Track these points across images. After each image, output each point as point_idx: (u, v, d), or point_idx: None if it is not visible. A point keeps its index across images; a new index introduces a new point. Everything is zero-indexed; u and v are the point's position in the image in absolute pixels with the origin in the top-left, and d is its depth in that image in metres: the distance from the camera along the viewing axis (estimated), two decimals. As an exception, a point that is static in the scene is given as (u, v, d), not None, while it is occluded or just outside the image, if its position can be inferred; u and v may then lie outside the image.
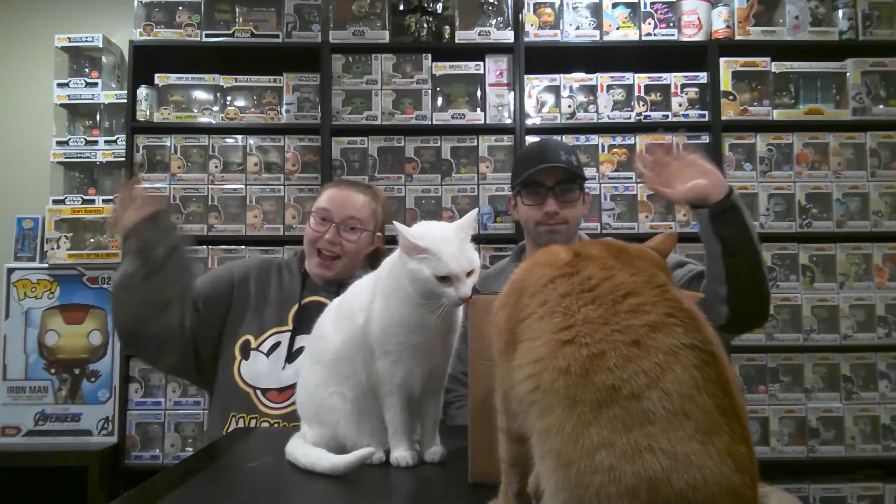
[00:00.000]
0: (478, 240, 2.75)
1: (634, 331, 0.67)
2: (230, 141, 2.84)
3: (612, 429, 0.65)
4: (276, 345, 1.69)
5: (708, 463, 0.64)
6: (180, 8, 2.87)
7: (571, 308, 0.70)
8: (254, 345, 1.70)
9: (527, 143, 2.77)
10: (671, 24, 2.85)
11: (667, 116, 2.81)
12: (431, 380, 1.13)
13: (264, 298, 1.75)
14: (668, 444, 0.63)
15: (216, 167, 2.81)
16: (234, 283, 1.75)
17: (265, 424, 1.60)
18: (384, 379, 1.10)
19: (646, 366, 0.65)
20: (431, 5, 2.91)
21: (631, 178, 2.79)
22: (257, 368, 1.66)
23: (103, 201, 2.87)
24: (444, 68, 2.84)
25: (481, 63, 2.83)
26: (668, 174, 1.58)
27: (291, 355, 1.68)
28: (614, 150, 2.81)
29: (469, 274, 1.03)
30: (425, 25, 2.88)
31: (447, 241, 1.03)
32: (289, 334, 1.70)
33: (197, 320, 1.66)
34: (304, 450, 1.10)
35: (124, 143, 2.84)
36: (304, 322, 1.67)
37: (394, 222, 1.09)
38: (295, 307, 1.73)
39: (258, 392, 1.65)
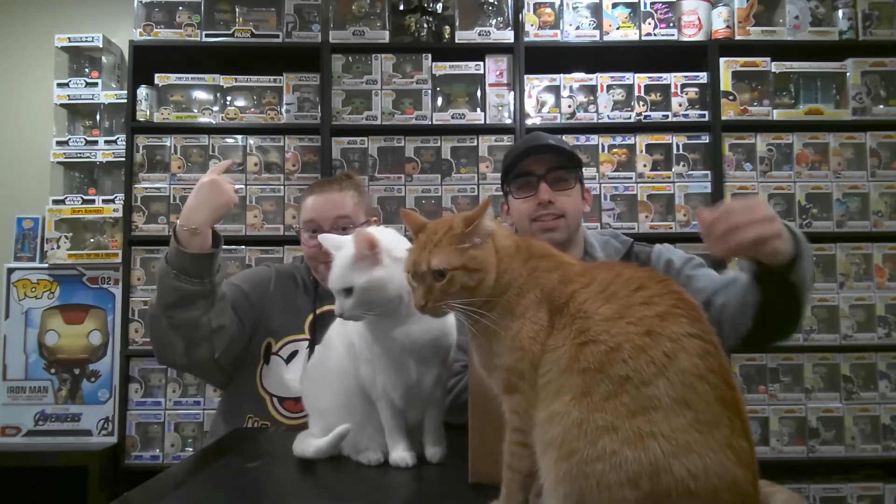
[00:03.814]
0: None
1: (648, 321, 0.70)
2: (230, 141, 2.83)
3: (617, 415, 0.66)
4: (294, 353, 1.66)
5: (708, 452, 0.65)
6: (180, 8, 2.87)
7: (591, 310, 0.73)
8: (274, 349, 1.67)
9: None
10: (671, 24, 2.85)
11: (667, 116, 2.81)
12: (418, 392, 1.10)
13: (283, 304, 1.71)
14: (670, 431, 0.65)
15: (216, 167, 2.81)
16: (268, 285, 1.72)
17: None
18: (369, 386, 1.11)
19: (655, 354, 0.68)
20: (431, 5, 2.90)
21: (631, 177, 2.79)
22: (277, 376, 1.64)
23: (103, 201, 2.86)
24: (444, 68, 2.84)
25: (481, 63, 2.83)
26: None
27: None
28: (614, 150, 2.81)
29: None
30: (425, 25, 2.88)
31: None
32: (306, 343, 1.67)
33: (238, 325, 1.61)
34: (302, 443, 1.13)
35: (124, 143, 2.83)
36: (321, 332, 1.62)
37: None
38: (310, 317, 1.70)
39: (275, 400, 1.63)
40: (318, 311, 1.70)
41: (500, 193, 1.78)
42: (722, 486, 0.65)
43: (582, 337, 0.71)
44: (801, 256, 1.16)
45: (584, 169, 1.80)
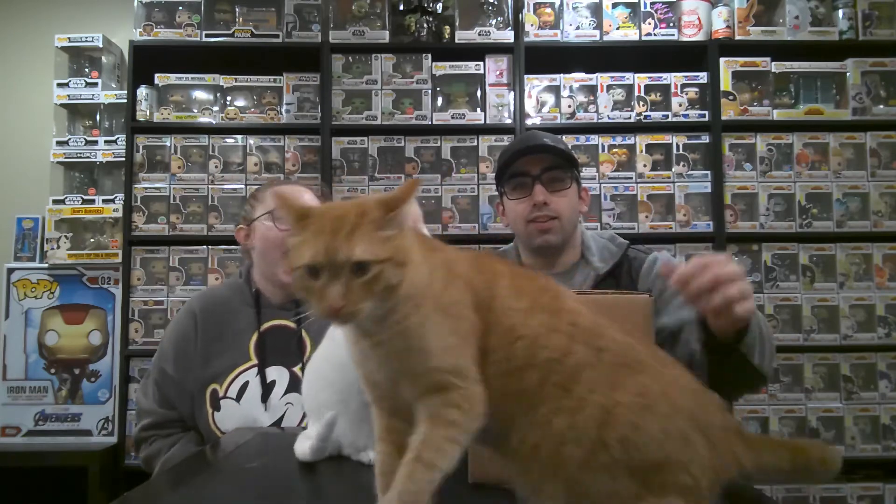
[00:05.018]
0: (478, 240, 2.76)
1: (549, 303, 0.73)
2: (230, 141, 2.84)
3: (555, 396, 0.68)
4: (245, 385, 1.56)
5: (642, 378, 0.69)
6: (180, 8, 2.87)
7: (513, 306, 0.73)
8: (221, 393, 1.56)
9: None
10: (671, 24, 2.85)
11: (667, 116, 2.81)
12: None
13: (219, 339, 1.60)
14: (603, 379, 0.68)
15: (216, 167, 2.81)
16: (192, 342, 1.61)
17: None
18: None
19: (563, 327, 0.71)
20: (431, 5, 2.91)
21: (631, 177, 2.79)
22: (233, 417, 1.54)
23: (103, 201, 2.87)
24: (444, 68, 2.84)
25: (481, 63, 2.83)
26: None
27: (266, 389, 1.55)
28: (614, 150, 2.81)
29: None
30: (425, 25, 2.88)
31: None
32: (255, 370, 1.57)
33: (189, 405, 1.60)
34: (302, 445, 1.12)
35: (124, 143, 2.84)
36: (269, 352, 1.58)
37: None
38: (254, 337, 1.60)
39: None
40: (262, 329, 1.61)
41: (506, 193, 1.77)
42: (671, 394, 0.69)
43: (510, 335, 0.71)
44: (750, 327, 1.15)
45: (584, 169, 1.80)
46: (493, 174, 2.72)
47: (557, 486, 0.67)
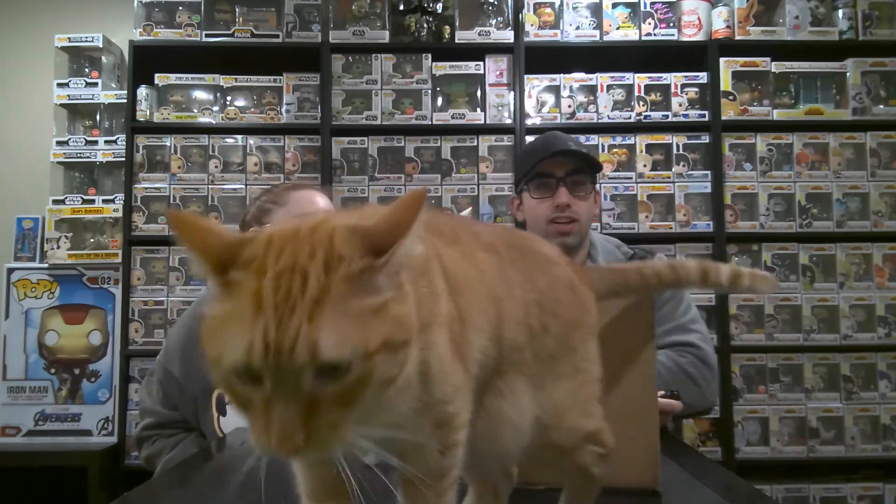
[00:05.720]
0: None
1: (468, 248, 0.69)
2: (230, 141, 2.83)
3: (522, 303, 0.68)
4: None
5: (546, 265, 0.73)
6: (180, 8, 2.87)
7: (459, 272, 0.62)
8: (227, 398, 1.55)
9: (526, 144, 2.77)
10: (671, 24, 2.85)
11: (667, 116, 2.81)
12: None
13: None
14: (528, 282, 0.69)
15: (216, 167, 2.81)
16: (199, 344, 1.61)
17: None
18: None
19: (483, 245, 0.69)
20: (431, 5, 2.90)
21: (631, 177, 2.79)
22: (239, 423, 1.49)
23: (103, 201, 2.87)
24: (444, 68, 2.83)
25: (481, 63, 2.83)
26: None
27: None
28: (614, 150, 2.81)
29: None
30: (425, 25, 2.88)
31: None
32: None
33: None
34: None
35: (124, 143, 2.83)
36: None
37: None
38: None
39: None
40: None
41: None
42: (549, 254, 0.73)
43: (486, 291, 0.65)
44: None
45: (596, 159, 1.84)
46: (494, 174, 2.75)
47: (519, 384, 0.66)
